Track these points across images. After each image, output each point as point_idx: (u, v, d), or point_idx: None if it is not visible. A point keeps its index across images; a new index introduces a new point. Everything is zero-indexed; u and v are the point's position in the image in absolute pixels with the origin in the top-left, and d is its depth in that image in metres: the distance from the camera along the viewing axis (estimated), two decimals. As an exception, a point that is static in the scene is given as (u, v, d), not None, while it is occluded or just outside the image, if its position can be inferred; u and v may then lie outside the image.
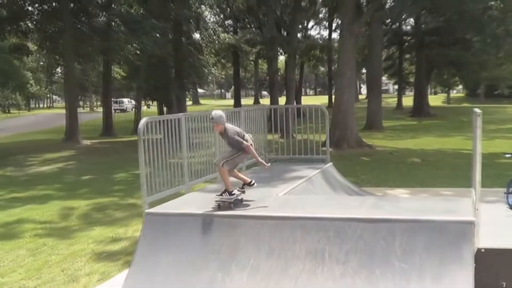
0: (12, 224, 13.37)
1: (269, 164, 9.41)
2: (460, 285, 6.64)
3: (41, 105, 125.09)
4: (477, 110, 7.44)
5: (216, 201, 8.35)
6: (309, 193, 10.54)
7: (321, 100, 69.28)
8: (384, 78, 64.22)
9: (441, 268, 6.82)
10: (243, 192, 8.63)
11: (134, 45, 36.93)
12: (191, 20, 42.67)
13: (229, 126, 8.51)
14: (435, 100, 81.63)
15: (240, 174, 8.91)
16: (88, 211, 14.55)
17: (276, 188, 10.02)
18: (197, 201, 8.49)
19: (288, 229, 7.54)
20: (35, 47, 47.41)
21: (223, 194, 8.40)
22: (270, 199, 9.02)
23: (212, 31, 47.90)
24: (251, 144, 8.51)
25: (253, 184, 8.66)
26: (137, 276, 7.48)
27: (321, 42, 69.00)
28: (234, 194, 8.42)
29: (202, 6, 46.47)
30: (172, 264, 7.31)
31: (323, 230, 7.40)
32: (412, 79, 66.80)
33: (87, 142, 33.09)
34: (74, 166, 22.79)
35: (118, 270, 9.61)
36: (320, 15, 64.49)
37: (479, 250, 7.07)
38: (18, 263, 10.37)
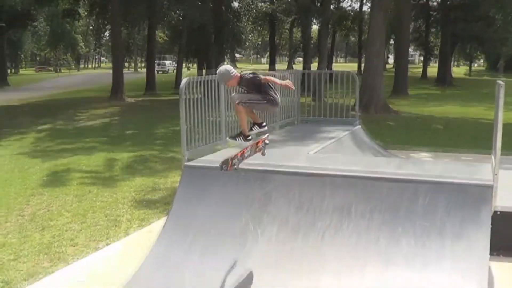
0: (61, 173, 13.54)
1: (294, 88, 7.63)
2: (477, 244, 6.55)
3: (89, 65, 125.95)
4: (500, 82, 7.31)
5: (221, 165, 6.71)
6: (338, 152, 10.43)
7: (351, 67, 68.58)
8: (410, 49, 63.21)
9: (460, 228, 6.72)
10: (265, 145, 7.20)
11: (177, 11, 36.76)
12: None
13: (242, 73, 6.83)
14: (458, 71, 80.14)
15: (256, 117, 7.26)
16: (130, 162, 14.66)
17: (307, 147, 9.94)
18: (234, 156, 8.41)
19: (318, 185, 7.46)
20: (85, 12, 47.55)
21: (237, 138, 7.12)
22: (301, 156, 8.95)
23: (250, 1, 47.50)
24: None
25: (265, 126, 7.22)
26: (174, 224, 7.48)
27: (352, 13, 68.09)
28: (250, 139, 7.08)
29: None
30: (207, 214, 7.30)
31: (351, 187, 7.32)
32: (437, 51, 65.83)
33: (131, 99, 33.23)
34: (118, 121, 22.92)
35: (156, 218, 9.67)
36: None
37: (495, 212, 7.02)
38: (65, 208, 10.49)
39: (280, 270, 6.65)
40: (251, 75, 6.67)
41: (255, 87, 6.66)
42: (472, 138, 17.09)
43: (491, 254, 6.56)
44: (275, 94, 6.75)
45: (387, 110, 25.55)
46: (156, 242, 7.41)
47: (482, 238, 6.58)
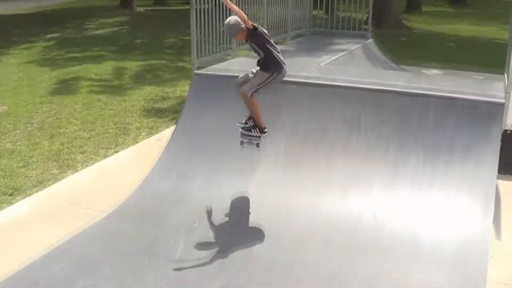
0: (70, 81, 13.44)
1: None
2: (486, 162, 6.53)
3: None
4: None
5: (242, 139, 6.46)
6: (349, 65, 10.25)
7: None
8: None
9: (469, 145, 6.68)
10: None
11: None
12: None
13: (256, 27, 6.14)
14: (474, -11, 77.93)
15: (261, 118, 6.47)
16: (139, 71, 14.52)
17: (318, 58, 9.75)
18: (244, 65, 8.26)
19: (328, 96, 7.35)
20: None
21: (253, 130, 6.36)
22: (312, 67, 8.80)
23: None
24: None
25: (265, 132, 6.45)
26: (183, 132, 7.45)
27: None
28: (266, 132, 6.42)
29: None
30: (216, 122, 7.25)
31: (361, 99, 7.21)
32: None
33: (140, 9, 32.55)
34: (128, 30, 22.54)
35: (165, 126, 9.65)
36: None
37: (506, 131, 6.98)
38: (74, 116, 10.47)
39: (287, 181, 6.66)
40: (265, 32, 6.16)
41: (264, 45, 6.15)
42: (485, 58, 16.75)
43: (499, 173, 6.54)
44: (280, 54, 6.26)
45: (399, 26, 24.99)
46: (164, 150, 7.42)
47: (491, 156, 6.55)
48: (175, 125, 7.97)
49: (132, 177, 7.16)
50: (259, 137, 6.33)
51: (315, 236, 5.97)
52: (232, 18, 6.03)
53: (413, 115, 7.02)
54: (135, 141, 9.03)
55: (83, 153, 8.53)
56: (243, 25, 5.96)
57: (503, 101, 6.89)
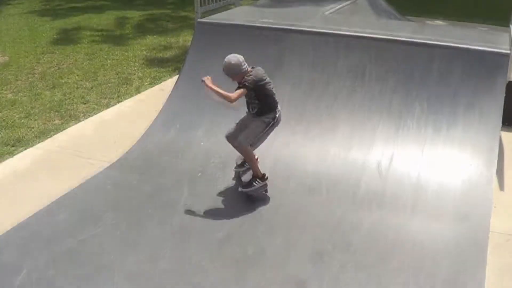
0: (71, 31, 13.27)
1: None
2: (489, 113, 6.45)
3: None
4: None
5: (242, 190, 5.77)
6: (354, 14, 10.04)
7: None
8: None
9: (473, 96, 6.58)
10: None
11: None
12: None
13: (252, 71, 5.47)
14: None
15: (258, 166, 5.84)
16: (141, 21, 14.33)
17: (323, 7, 9.52)
18: (247, 14, 8.13)
19: (332, 45, 7.18)
20: None
21: (254, 183, 5.69)
22: (316, 16, 8.62)
23: None
24: (275, 117, 5.64)
25: (266, 177, 5.77)
26: (186, 81, 7.34)
27: None
28: (267, 178, 5.77)
29: None
30: (220, 71, 7.07)
31: (365, 49, 7.06)
32: None
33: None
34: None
35: (168, 76, 9.54)
36: None
37: (510, 82, 6.84)
38: (76, 66, 10.35)
39: (292, 131, 6.58)
40: (268, 81, 5.47)
41: (263, 95, 5.48)
42: (490, 9, 16.48)
43: (502, 124, 6.49)
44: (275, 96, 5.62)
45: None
46: (167, 100, 7.32)
47: (495, 107, 6.46)
48: (178, 75, 7.85)
49: (134, 127, 7.09)
50: (265, 184, 5.73)
51: (319, 187, 5.93)
52: (233, 57, 5.40)
53: (417, 65, 6.88)
54: (138, 91, 8.93)
55: (85, 104, 8.44)
56: (245, 67, 5.38)
57: (508, 52, 6.75)
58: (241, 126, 5.66)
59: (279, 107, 5.60)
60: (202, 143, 6.61)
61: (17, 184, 6.05)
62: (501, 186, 6.16)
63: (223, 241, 5.04)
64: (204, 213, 5.49)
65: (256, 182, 5.66)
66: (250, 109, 5.64)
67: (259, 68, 5.48)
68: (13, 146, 6.99)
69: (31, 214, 5.41)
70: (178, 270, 4.70)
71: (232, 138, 5.68)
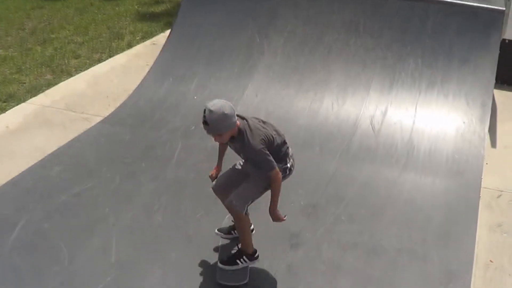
0: (61, -15, 13.03)
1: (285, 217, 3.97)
2: (483, 69, 6.48)
3: None
4: None
5: (221, 266, 4.15)
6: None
7: None
8: None
9: (468, 52, 6.60)
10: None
11: None
12: None
13: (247, 124, 3.79)
14: None
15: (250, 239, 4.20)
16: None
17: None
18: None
19: (327, -1, 7.14)
20: None
21: (239, 261, 4.12)
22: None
23: None
24: (287, 168, 4.01)
25: (257, 256, 4.17)
26: (179, 35, 7.27)
27: None
28: (257, 256, 4.16)
29: None
30: (213, 25, 7.06)
31: (360, 3, 7.02)
32: None
33: None
34: None
35: (160, 30, 9.46)
36: None
37: (504, 40, 6.94)
38: (67, 21, 10.24)
39: (286, 84, 6.56)
40: (263, 154, 3.73)
41: (262, 168, 3.82)
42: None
43: (496, 82, 6.50)
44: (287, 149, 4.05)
45: None
46: (160, 54, 7.26)
47: (489, 63, 6.48)
48: (170, 29, 7.76)
49: (127, 82, 7.06)
50: (251, 263, 4.17)
51: (312, 142, 5.94)
52: (224, 105, 3.68)
53: (412, 20, 6.86)
54: (130, 46, 8.85)
55: (76, 58, 8.38)
56: (235, 120, 3.70)
57: (503, 8, 6.74)
58: (237, 176, 4.10)
59: (290, 152, 4.06)
60: (195, 97, 6.59)
61: (10, 140, 6.04)
62: (493, 143, 6.21)
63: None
64: (198, 166, 5.50)
65: (242, 260, 4.12)
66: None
67: (261, 126, 3.85)
68: (4, 102, 6.95)
69: (25, 169, 5.41)
70: (173, 222, 4.75)
71: (221, 192, 4.18)
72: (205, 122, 3.65)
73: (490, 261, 4.52)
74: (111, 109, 6.50)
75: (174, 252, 4.40)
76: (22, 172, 5.38)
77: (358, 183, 5.31)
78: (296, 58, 6.80)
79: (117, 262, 4.29)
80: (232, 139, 3.78)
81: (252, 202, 3.98)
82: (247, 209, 3.99)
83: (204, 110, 3.62)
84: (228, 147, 4.06)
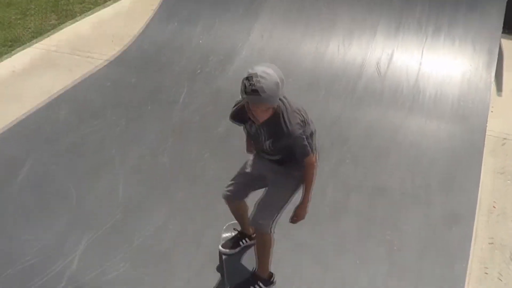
0: None
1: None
2: (491, 17, 6.38)
3: None
4: None
5: None
6: None
7: None
8: None
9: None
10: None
11: None
12: None
13: (283, 104, 3.07)
14: None
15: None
16: None
17: None
18: None
19: None
20: None
21: (257, 286, 3.55)
22: None
23: None
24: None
25: (274, 280, 3.63)
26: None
27: None
28: (273, 280, 3.60)
29: None
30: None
31: None
32: None
33: None
34: None
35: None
36: None
37: None
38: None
39: (291, 26, 6.46)
40: (304, 139, 3.11)
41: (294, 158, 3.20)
42: None
43: (503, 30, 6.40)
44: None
45: None
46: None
47: (497, 10, 6.38)
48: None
49: (132, 25, 6.96)
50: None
51: (317, 84, 5.88)
52: (277, 71, 2.97)
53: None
54: (135, -11, 8.69)
55: (81, 3, 8.23)
56: (280, 93, 2.96)
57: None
58: (251, 182, 3.51)
59: (317, 144, 3.33)
60: (200, 41, 6.50)
61: (16, 83, 6.00)
62: (499, 90, 6.13)
63: (223, 135, 5.06)
64: (203, 109, 5.47)
65: (258, 286, 3.58)
66: (266, 153, 3.32)
67: (296, 109, 3.12)
68: (10, 46, 6.88)
69: (31, 112, 5.40)
70: (179, 163, 4.76)
71: (232, 201, 3.60)
72: (254, 91, 2.84)
73: (494, 206, 4.52)
74: (116, 53, 6.43)
75: (180, 192, 4.43)
76: (29, 114, 5.36)
77: (363, 125, 5.28)
78: (301, 1, 6.66)
79: (123, 202, 4.31)
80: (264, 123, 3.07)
81: (280, 216, 3.32)
82: (274, 226, 3.34)
83: (250, 76, 2.86)
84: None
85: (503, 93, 6.11)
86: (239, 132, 5.06)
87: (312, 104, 5.44)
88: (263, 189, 3.41)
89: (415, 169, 4.80)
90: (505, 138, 5.36)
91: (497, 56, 6.08)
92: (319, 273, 3.79)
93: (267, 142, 3.17)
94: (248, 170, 3.50)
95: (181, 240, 4.01)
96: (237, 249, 3.78)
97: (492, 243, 4.14)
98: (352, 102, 5.64)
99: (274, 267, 3.55)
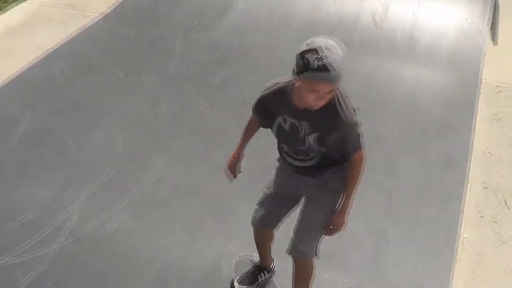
0: None
1: None
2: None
3: None
4: None
5: None
6: None
7: None
8: None
9: None
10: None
11: None
12: None
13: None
14: None
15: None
16: None
17: None
18: None
19: None
20: None
21: (260, 276, 3.34)
22: None
23: None
24: None
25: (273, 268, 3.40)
26: None
27: None
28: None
29: None
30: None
31: None
32: None
33: None
34: None
35: None
36: None
37: None
38: None
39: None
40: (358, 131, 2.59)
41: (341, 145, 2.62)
42: None
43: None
44: None
45: None
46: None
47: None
48: None
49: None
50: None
51: (313, 34, 5.76)
52: (340, 43, 2.47)
53: None
54: None
55: None
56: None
57: None
58: (280, 203, 2.95)
59: None
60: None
61: (11, 38, 5.92)
62: (495, 40, 6.09)
63: (220, 86, 5.04)
64: (200, 60, 5.43)
65: (262, 274, 3.36)
66: (299, 156, 2.72)
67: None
68: (4, 2, 6.74)
69: (27, 67, 5.34)
70: (177, 114, 4.75)
71: (265, 229, 3.06)
72: (323, 67, 2.28)
73: (488, 152, 4.54)
74: (112, 6, 6.33)
75: (178, 143, 4.42)
76: (25, 70, 5.30)
77: (359, 76, 5.24)
78: None
79: (122, 154, 4.31)
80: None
81: (323, 237, 2.82)
82: (319, 249, 2.84)
83: (314, 49, 2.29)
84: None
85: (499, 43, 6.07)
86: (236, 83, 5.07)
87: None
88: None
89: (411, 117, 4.81)
90: (500, 86, 5.35)
91: (493, 7, 6.04)
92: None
93: (310, 138, 2.56)
94: (277, 189, 2.91)
95: (180, 190, 4.02)
96: (255, 285, 3.32)
97: (486, 188, 4.18)
98: (348, 54, 5.56)
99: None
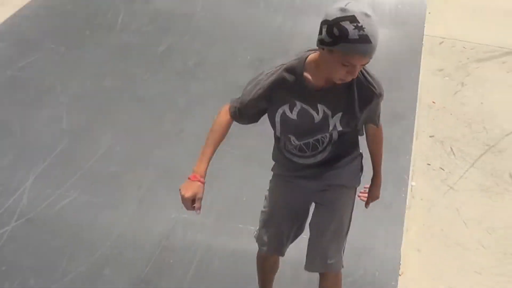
0: None
1: None
2: None
3: None
4: None
5: None
6: None
7: None
8: None
9: None
10: None
11: None
12: None
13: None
14: None
15: None
16: None
17: None
18: None
19: None
20: None
21: None
22: None
23: None
24: None
25: None
26: None
27: None
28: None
29: None
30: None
31: None
32: None
33: None
34: None
35: None
36: None
37: None
38: None
39: None
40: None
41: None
42: None
43: None
44: None
45: None
46: None
47: None
48: None
49: None
50: None
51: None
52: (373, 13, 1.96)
53: None
54: None
55: None
56: None
57: None
58: (294, 225, 2.52)
59: None
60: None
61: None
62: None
63: (164, 54, 4.95)
64: (142, 30, 5.32)
65: None
66: (306, 156, 2.34)
67: None
68: None
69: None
70: (122, 86, 4.64)
71: (278, 252, 2.60)
72: (365, 38, 1.92)
73: (433, 102, 4.60)
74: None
75: (125, 115, 4.35)
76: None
77: (304, 36, 5.18)
78: None
79: (69, 129, 4.21)
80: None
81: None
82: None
83: (351, 16, 1.92)
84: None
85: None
86: (180, 51, 4.97)
87: (251, 16, 5.38)
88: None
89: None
90: (442, 38, 5.44)
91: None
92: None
93: (335, 119, 2.19)
94: (284, 205, 2.49)
95: (129, 161, 3.95)
96: None
97: (433, 136, 4.24)
98: (292, 13, 5.54)
99: (223, 174, 3.53)
